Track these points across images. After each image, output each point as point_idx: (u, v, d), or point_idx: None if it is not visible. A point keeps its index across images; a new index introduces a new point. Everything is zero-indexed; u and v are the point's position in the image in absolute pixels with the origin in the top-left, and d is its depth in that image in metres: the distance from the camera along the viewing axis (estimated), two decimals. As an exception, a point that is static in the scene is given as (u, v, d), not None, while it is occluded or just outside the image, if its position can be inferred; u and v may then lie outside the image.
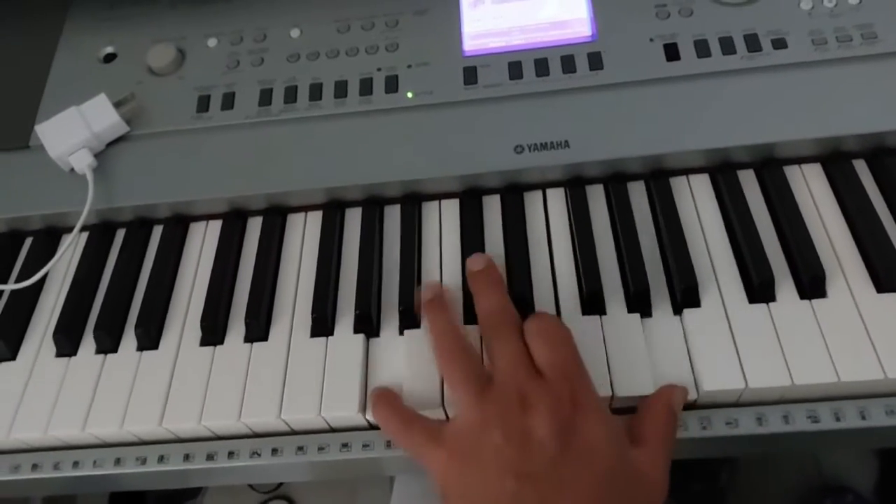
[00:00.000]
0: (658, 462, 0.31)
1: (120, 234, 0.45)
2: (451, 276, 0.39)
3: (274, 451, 0.36)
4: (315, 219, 0.43)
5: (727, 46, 0.42)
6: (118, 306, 0.41)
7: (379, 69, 0.45)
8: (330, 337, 0.38)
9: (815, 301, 0.35)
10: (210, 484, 0.40)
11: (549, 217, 0.41)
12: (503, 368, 0.32)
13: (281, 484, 0.88)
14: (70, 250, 0.44)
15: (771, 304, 0.35)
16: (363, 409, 0.35)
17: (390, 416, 0.33)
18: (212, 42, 0.47)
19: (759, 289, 0.36)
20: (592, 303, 0.37)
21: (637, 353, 0.35)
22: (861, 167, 0.40)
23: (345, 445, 0.36)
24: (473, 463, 0.30)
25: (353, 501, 0.84)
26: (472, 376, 0.32)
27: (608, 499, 0.29)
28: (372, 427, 0.36)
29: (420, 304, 0.36)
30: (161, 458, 0.37)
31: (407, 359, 0.36)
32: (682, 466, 0.74)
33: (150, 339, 0.39)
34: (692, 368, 0.34)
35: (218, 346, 0.38)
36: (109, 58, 0.48)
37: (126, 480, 0.38)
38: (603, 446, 0.30)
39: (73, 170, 0.43)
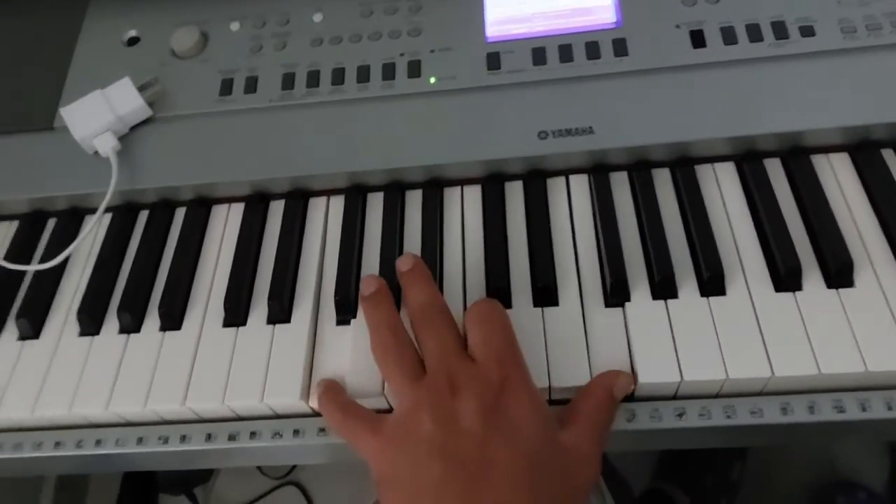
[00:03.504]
0: (587, 438, 0.31)
1: (143, 216, 0.45)
2: (473, 262, 0.39)
3: (296, 432, 0.36)
4: (337, 203, 0.43)
5: (754, 33, 0.42)
6: (141, 286, 0.41)
7: (402, 54, 0.44)
8: (354, 320, 0.38)
9: (842, 290, 0.35)
10: (230, 465, 0.40)
11: (572, 204, 0.41)
12: (433, 356, 0.32)
13: (292, 469, 0.88)
14: (93, 231, 0.44)
15: (797, 293, 0.35)
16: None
17: (331, 407, 0.34)
18: (235, 26, 0.47)
19: (786, 278, 0.35)
20: (617, 290, 0.36)
21: (660, 340, 0.34)
22: (889, 156, 0.39)
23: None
24: (404, 448, 0.31)
25: (363, 487, 0.84)
26: (407, 367, 0.33)
27: (534, 479, 0.29)
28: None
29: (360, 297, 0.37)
30: (183, 438, 0.37)
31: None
32: (696, 459, 0.74)
33: (173, 319, 0.39)
34: (719, 355, 0.34)
35: (240, 328, 0.39)
36: (133, 41, 0.48)
37: (148, 460, 0.38)
38: (530, 426, 0.30)
39: (96, 152, 0.44)
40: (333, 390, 0.35)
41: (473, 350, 0.32)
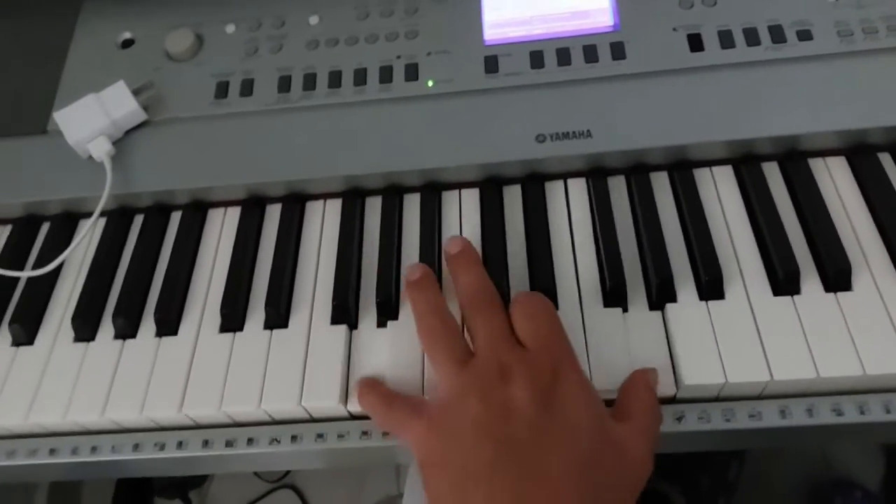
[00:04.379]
0: (642, 436, 0.31)
1: (138, 220, 0.44)
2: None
3: (294, 438, 0.36)
4: (334, 206, 0.43)
5: (751, 37, 0.42)
6: (137, 291, 0.41)
7: (398, 57, 0.44)
8: (350, 324, 0.38)
9: (840, 294, 0.35)
10: (227, 470, 0.40)
11: (570, 207, 0.41)
12: (484, 341, 0.32)
13: (287, 473, 0.88)
14: (87, 236, 0.44)
15: (795, 296, 0.35)
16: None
17: (372, 398, 0.34)
18: (230, 28, 0.47)
19: (784, 281, 0.35)
20: (615, 294, 0.36)
21: (660, 344, 0.34)
22: (886, 160, 0.40)
23: (365, 433, 0.36)
24: (452, 431, 0.30)
25: (360, 491, 0.84)
26: (455, 352, 0.32)
27: (588, 471, 0.28)
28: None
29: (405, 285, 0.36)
30: (180, 444, 0.37)
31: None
32: (692, 460, 0.74)
33: (169, 325, 0.39)
34: (718, 359, 0.34)
35: (237, 333, 0.38)
36: (127, 43, 0.48)
37: (144, 466, 0.38)
38: (584, 417, 0.29)
39: (91, 156, 0.43)
40: (373, 383, 0.35)
41: (524, 340, 0.32)
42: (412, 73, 0.43)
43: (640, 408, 0.32)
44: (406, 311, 0.38)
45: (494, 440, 0.29)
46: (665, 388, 0.34)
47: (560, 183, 0.42)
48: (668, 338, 0.35)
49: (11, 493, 0.74)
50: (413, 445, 0.32)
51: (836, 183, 0.39)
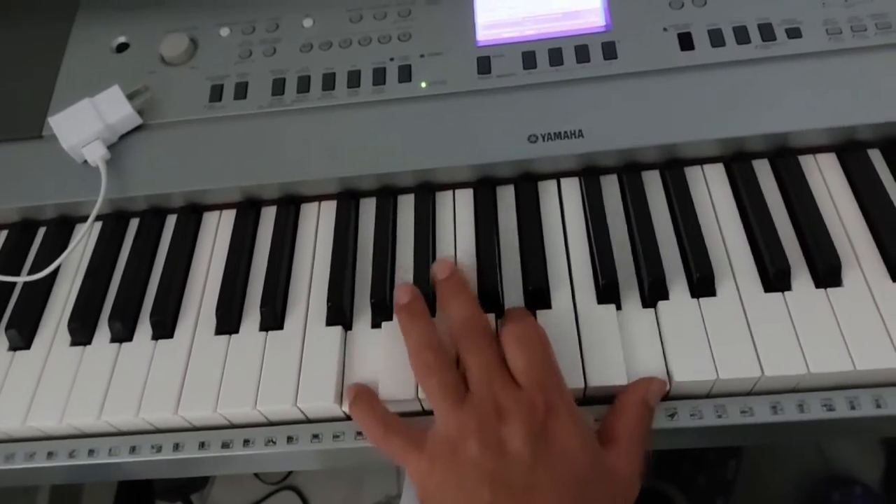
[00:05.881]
0: (629, 460, 0.32)
1: (133, 224, 0.45)
2: (465, 265, 0.39)
3: (289, 438, 0.36)
4: (329, 208, 0.43)
5: (741, 36, 0.42)
6: (133, 295, 0.41)
7: (392, 59, 0.44)
8: (345, 325, 0.38)
9: (830, 290, 0.35)
10: (224, 472, 0.40)
11: (563, 206, 0.41)
12: (478, 378, 0.32)
13: (289, 475, 0.88)
14: (83, 240, 0.44)
15: (786, 293, 0.35)
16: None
17: (369, 419, 0.34)
18: (224, 31, 0.47)
19: (775, 278, 0.36)
20: (608, 292, 0.37)
21: (651, 342, 0.35)
22: (875, 156, 0.40)
23: (360, 434, 0.36)
24: (451, 473, 0.31)
25: (359, 492, 0.84)
26: (450, 387, 0.32)
27: (581, 502, 0.30)
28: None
29: (395, 304, 0.36)
30: (176, 447, 0.37)
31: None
32: (690, 458, 0.74)
33: (165, 327, 0.39)
34: (710, 356, 0.34)
35: (233, 335, 0.39)
36: (122, 47, 0.48)
37: (142, 468, 0.38)
38: (577, 451, 0.31)
39: (86, 161, 0.43)
40: (368, 398, 0.35)
41: (516, 374, 0.32)
42: (405, 74, 0.44)
43: (627, 432, 0.32)
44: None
45: (491, 484, 0.30)
46: (658, 384, 0.34)
47: (553, 182, 0.42)
48: (660, 335, 0.35)
49: (12, 496, 0.74)
50: (412, 477, 0.32)
51: (827, 180, 0.40)
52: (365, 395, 0.35)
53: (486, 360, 0.33)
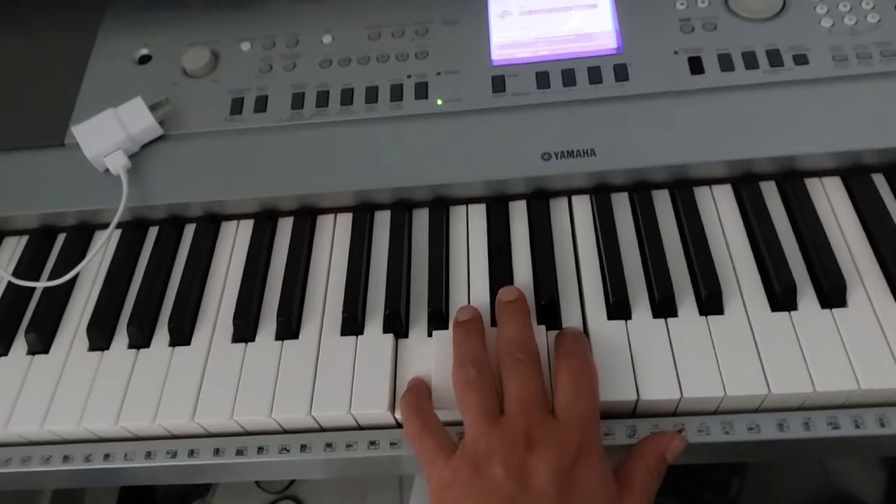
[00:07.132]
0: None
1: (152, 232, 0.45)
2: (478, 279, 0.40)
3: (303, 447, 0.37)
4: (345, 220, 0.44)
5: (750, 61, 0.43)
6: (151, 302, 0.41)
7: (409, 76, 0.46)
8: (360, 336, 0.39)
9: (835, 310, 0.36)
10: (237, 479, 0.40)
11: (574, 223, 0.42)
12: (515, 403, 0.32)
13: (290, 484, 0.88)
14: (103, 247, 0.45)
15: (792, 312, 0.36)
16: (392, 408, 0.36)
17: (413, 414, 0.34)
18: (245, 46, 0.48)
19: (782, 297, 0.36)
20: (618, 308, 0.37)
21: (661, 358, 0.35)
22: (879, 181, 0.41)
23: (373, 443, 0.37)
24: (471, 491, 0.31)
25: (362, 502, 0.84)
26: (486, 406, 0.33)
27: None
28: (399, 426, 0.37)
29: (454, 320, 0.37)
30: (191, 453, 0.38)
31: (436, 360, 0.37)
32: (695, 475, 0.74)
33: (182, 334, 0.40)
34: (718, 373, 0.35)
35: (249, 343, 0.39)
36: (144, 59, 0.49)
37: (156, 474, 0.39)
38: (598, 500, 0.31)
39: (107, 170, 0.44)
40: (418, 393, 0.35)
41: (557, 405, 0.32)
42: (422, 91, 0.45)
43: (642, 482, 0.33)
44: (415, 327, 0.39)
45: None
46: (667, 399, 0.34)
47: (564, 199, 0.43)
48: (671, 351, 0.36)
49: (14, 500, 0.74)
50: (431, 483, 0.33)
51: (832, 202, 0.41)
52: (416, 390, 0.35)
53: (527, 386, 0.33)
